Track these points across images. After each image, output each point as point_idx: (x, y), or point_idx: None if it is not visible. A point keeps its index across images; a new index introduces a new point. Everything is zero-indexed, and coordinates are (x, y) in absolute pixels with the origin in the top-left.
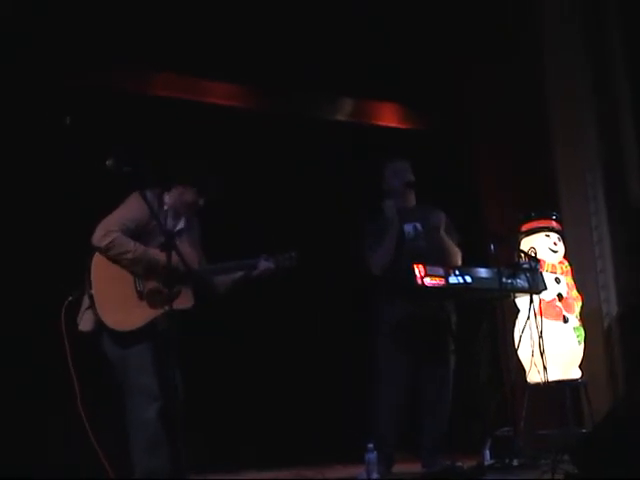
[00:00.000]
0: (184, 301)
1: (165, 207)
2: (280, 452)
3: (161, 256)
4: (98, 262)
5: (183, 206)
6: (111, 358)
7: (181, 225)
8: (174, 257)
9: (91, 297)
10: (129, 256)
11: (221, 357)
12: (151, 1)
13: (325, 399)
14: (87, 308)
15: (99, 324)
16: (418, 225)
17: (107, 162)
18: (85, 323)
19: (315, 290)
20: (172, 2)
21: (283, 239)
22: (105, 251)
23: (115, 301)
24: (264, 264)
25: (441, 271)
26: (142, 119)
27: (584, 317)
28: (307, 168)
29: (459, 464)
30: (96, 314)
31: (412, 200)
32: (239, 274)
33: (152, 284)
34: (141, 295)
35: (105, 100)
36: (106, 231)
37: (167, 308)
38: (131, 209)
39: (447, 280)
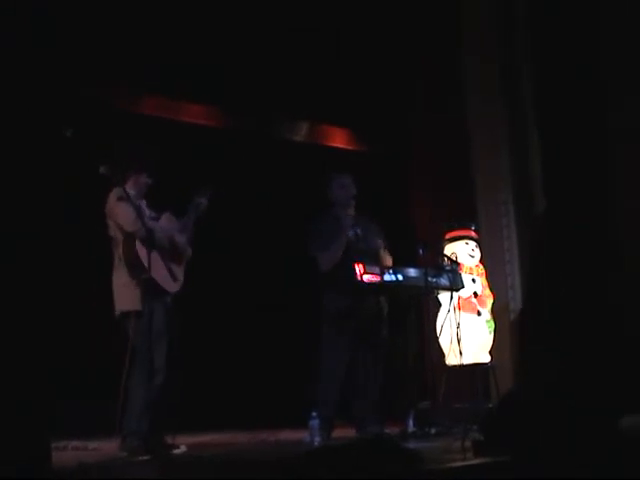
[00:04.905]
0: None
1: (133, 192)
2: (238, 417)
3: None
4: (139, 249)
5: (141, 188)
6: (154, 327)
7: (144, 204)
8: (163, 229)
9: (149, 280)
10: (156, 234)
11: (185, 327)
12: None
13: (279, 372)
14: (124, 286)
15: (154, 299)
16: (359, 230)
17: (101, 169)
18: (134, 303)
19: (275, 279)
20: (157, 38)
21: (247, 240)
22: (138, 232)
23: (164, 273)
24: (202, 201)
25: (377, 270)
26: (129, 133)
27: (494, 312)
28: (268, 180)
29: (387, 431)
30: (159, 290)
31: (352, 209)
32: (193, 216)
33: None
34: (170, 260)
35: (96, 115)
36: (132, 218)
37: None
38: (127, 206)
39: (382, 277)
